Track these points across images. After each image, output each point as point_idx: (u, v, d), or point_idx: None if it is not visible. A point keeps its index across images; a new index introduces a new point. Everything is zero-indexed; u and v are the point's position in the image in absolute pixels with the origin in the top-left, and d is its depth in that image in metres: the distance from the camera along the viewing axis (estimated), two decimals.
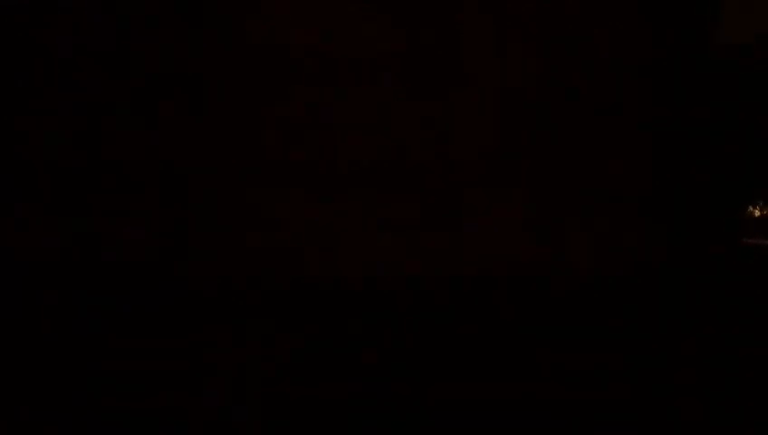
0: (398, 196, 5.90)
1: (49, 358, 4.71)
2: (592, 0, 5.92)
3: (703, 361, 4.81)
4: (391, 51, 5.87)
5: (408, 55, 5.89)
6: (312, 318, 5.60)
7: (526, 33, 5.90)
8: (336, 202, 5.87)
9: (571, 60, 5.91)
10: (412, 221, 5.90)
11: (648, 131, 6.01)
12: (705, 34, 6.05)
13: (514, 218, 5.90)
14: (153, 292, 5.70)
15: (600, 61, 5.93)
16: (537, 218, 5.95)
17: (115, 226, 5.81)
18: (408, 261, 5.88)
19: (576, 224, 5.96)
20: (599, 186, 5.97)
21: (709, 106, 5.95)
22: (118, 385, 4.01)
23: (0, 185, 5.87)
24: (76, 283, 5.75)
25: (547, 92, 5.91)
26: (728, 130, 6.18)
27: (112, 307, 5.67)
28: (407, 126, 5.88)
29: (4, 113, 5.87)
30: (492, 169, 5.93)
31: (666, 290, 5.86)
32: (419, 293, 5.83)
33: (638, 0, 5.99)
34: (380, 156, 5.88)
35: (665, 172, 6.02)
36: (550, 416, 3.54)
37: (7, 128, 5.88)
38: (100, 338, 5.19)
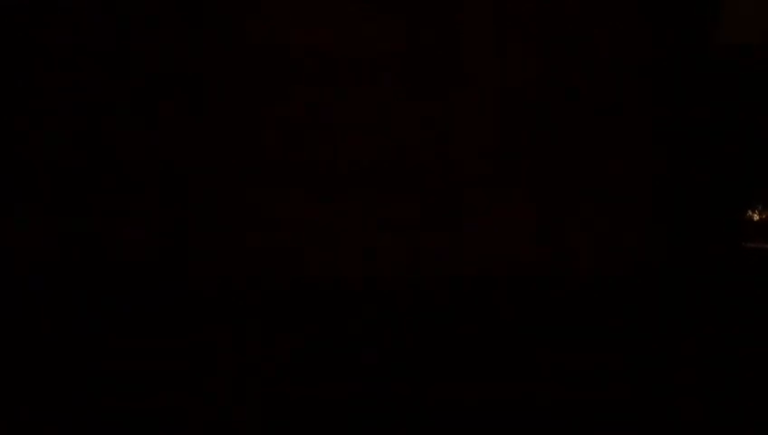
0: (397, 196, 5.90)
1: (49, 358, 4.71)
2: (592, 0, 5.92)
3: (703, 361, 4.81)
4: (391, 51, 5.87)
5: (408, 55, 5.89)
6: (311, 318, 5.60)
7: (526, 33, 5.90)
8: (336, 202, 5.87)
9: (571, 60, 5.91)
10: (412, 221, 5.90)
11: (648, 131, 6.01)
12: (705, 34, 6.05)
13: (514, 218, 5.90)
14: (153, 292, 5.70)
15: (600, 61, 5.93)
16: (537, 218, 5.95)
17: (115, 226, 5.81)
18: (408, 261, 5.88)
19: (576, 224, 5.96)
20: (599, 186, 5.97)
21: (709, 106, 5.94)
22: (118, 385, 4.01)
23: (0, 185, 5.87)
24: (76, 283, 5.75)
25: (547, 92, 5.91)
26: (728, 130, 6.17)
27: (112, 307, 5.67)
28: (407, 126, 5.88)
29: (4, 113, 5.87)
30: (492, 169, 5.93)
31: (666, 290, 5.86)
32: (419, 292, 5.83)
33: (638, 0, 5.99)
34: (380, 156, 5.88)
35: (665, 172, 6.02)
36: (550, 416, 3.54)
37: (7, 128, 5.88)
38: (100, 338, 5.19)
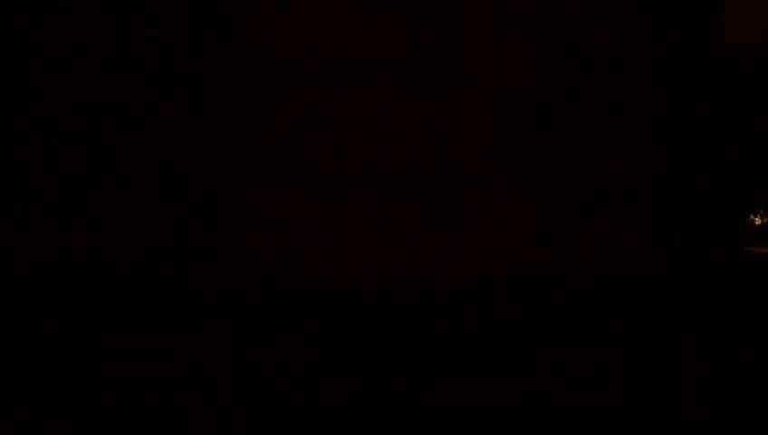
0: (398, 196, 5.90)
1: (49, 358, 4.71)
2: (592, 0, 5.92)
3: (702, 362, 4.81)
4: (391, 51, 5.87)
5: (408, 55, 5.89)
6: (311, 318, 5.60)
7: (526, 33, 5.90)
8: (336, 202, 5.87)
9: (571, 60, 5.91)
10: (412, 222, 5.90)
11: (648, 131, 6.01)
12: (705, 34, 6.05)
13: (514, 218, 5.90)
14: (153, 292, 5.70)
15: (600, 61, 5.93)
16: (537, 218, 5.95)
17: (115, 226, 5.81)
18: (408, 262, 5.88)
19: (576, 224, 5.95)
20: (599, 186, 5.97)
21: (709, 106, 5.94)
22: (118, 385, 4.01)
23: (0, 185, 5.87)
24: (76, 283, 5.75)
25: (547, 92, 5.91)
26: (728, 130, 6.17)
27: (112, 307, 5.67)
28: (407, 126, 5.88)
29: (4, 113, 5.87)
30: (492, 169, 5.93)
31: (666, 292, 5.86)
32: (419, 293, 5.83)
33: (638, 0, 5.99)
34: (380, 156, 5.88)
35: (665, 172, 6.02)
36: (550, 416, 3.54)
37: (7, 128, 5.88)
38: (100, 338, 5.19)
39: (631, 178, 5.97)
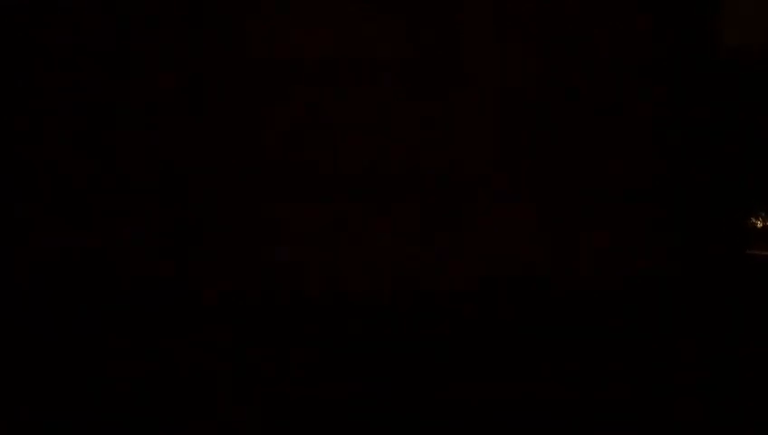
0: (398, 196, 5.90)
1: (49, 358, 4.71)
2: (592, 0, 5.92)
3: (703, 362, 4.81)
4: (391, 51, 5.87)
5: (408, 55, 5.88)
6: (311, 318, 5.59)
7: (526, 33, 5.90)
8: (336, 202, 5.87)
9: (571, 60, 5.91)
10: (412, 222, 5.90)
11: (648, 131, 6.01)
12: (705, 34, 6.05)
13: (515, 218, 5.90)
14: (153, 292, 5.70)
15: (600, 61, 5.93)
16: (537, 219, 5.95)
17: (115, 226, 5.81)
18: (408, 261, 5.88)
19: (576, 224, 5.96)
20: (599, 186, 5.97)
21: (709, 106, 5.95)
22: (117, 385, 4.01)
23: (0, 185, 5.87)
24: (76, 283, 5.75)
25: (547, 92, 5.91)
26: (728, 130, 6.18)
27: (112, 307, 5.67)
28: (407, 126, 5.88)
29: (4, 113, 5.87)
30: (492, 170, 5.93)
31: (666, 292, 5.86)
32: (419, 293, 5.83)
33: (638, 0, 5.99)
34: (380, 156, 5.88)
35: (665, 172, 6.02)
36: (550, 416, 3.54)
37: (7, 128, 5.88)
38: (100, 338, 5.19)
39: (631, 178, 5.97)
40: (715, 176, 6.08)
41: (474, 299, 5.75)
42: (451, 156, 5.86)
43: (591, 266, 5.90)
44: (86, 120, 5.82)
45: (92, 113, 5.83)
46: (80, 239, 5.78)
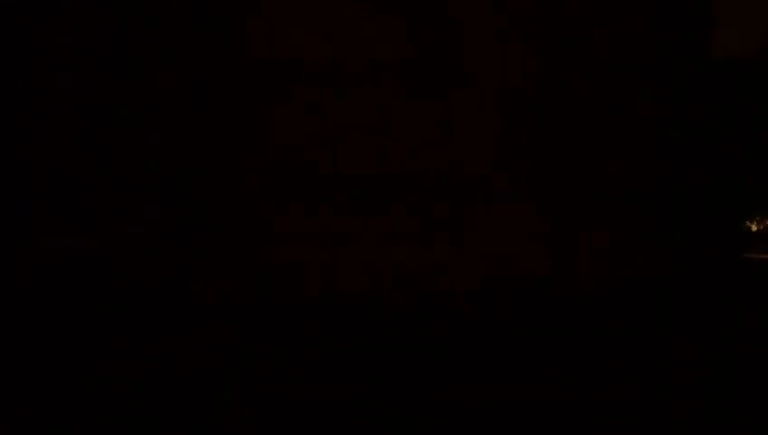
0: (398, 196, 5.90)
1: (49, 358, 4.72)
2: (592, 0, 5.92)
3: (703, 362, 4.81)
4: (391, 51, 5.87)
5: (408, 55, 5.89)
6: (311, 318, 5.60)
7: (526, 33, 5.90)
8: (336, 202, 5.87)
9: (571, 60, 5.91)
10: (412, 222, 5.90)
11: (648, 131, 6.01)
12: (705, 35, 6.05)
13: (515, 219, 5.90)
14: (153, 292, 5.70)
15: (600, 61, 5.93)
16: (537, 219, 5.95)
17: (115, 226, 5.81)
18: (408, 262, 5.88)
19: (576, 224, 5.96)
20: (599, 186, 5.97)
21: (709, 106, 5.95)
22: (117, 385, 4.01)
23: (0, 185, 5.87)
24: (76, 283, 5.75)
25: (547, 92, 5.91)
26: (728, 130, 6.19)
27: (112, 307, 5.67)
28: (407, 126, 5.89)
29: (4, 113, 5.87)
30: (492, 170, 5.93)
31: (666, 292, 5.86)
32: (419, 293, 5.83)
33: (638, 0, 5.99)
34: (380, 156, 5.88)
35: (665, 172, 6.02)
36: (550, 416, 3.54)
37: (7, 128, 5.88)
38: (100, 338, 5.19)
39: (631, 178, 5.97)
40: (714, 176, 6.08)
41: (474, 299, 5.75)
42: (451, 156, 5.86)
43: (591, 266, 5.91)
44: (86, 120, 5.82)
45: (92, 113, 5.83)
46: (80, 239, 5.78)
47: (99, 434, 3.38)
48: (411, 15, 5.86)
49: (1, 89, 5.84)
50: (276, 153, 5.83)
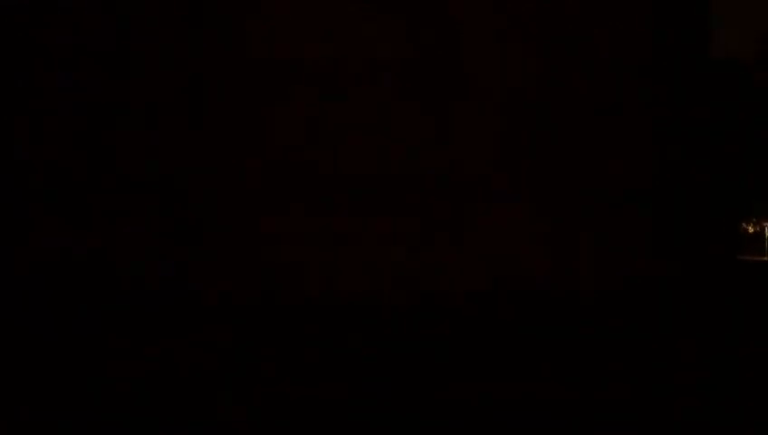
0: (398, 196, 5.90)
1: (49, 358, 4.71)
2: (592, 0, 5.93)
3: (702, 362, 4.82)
4: (391, 51, 5.87)
5: (408, 56, 5.89)
6: (311, 318, 5.59)
7: (526, 33, 5.91)
8: (336, 202, 5.87)
9: (571, 60, 5.91)
10: (412, 222, 5.90)
11: (648, 131, 6.02)
12: (705, 35, 6.05)
13: (515, 218, 5.90)
14: (153, 292, 5.69)
15: (600, 61, 5.93)
16: (537, 219, 5.95)
17: (115, 226, 5.81)
18: (408, 262, 5.88)
19: (576, 224, 5.96)
20: (599, 186, 5.97)
21: (709, 106, 5.95)
22: (117, 385, 4.01)
23: (0, 185, 5.87)
24: (76, 282, 5.75)
25: (547, 92, 5.91)
26: (728, 130, 6.19)
27: (112, 307, 5.66)
28: (407, 126, 5.89)
29: (4, 113, 5.87)
30: (492, 170, 5.93)
31: (666, 292, 5.86)
32: (419, 293, 5.83)
33: (638, 0, 6.00)
34: (380, 156, 5.88)
35: (665, 172, 6.03)
36: (550, 416, 3.55)
37: (7, 128, 5.88)
38: (100, 338, 5.19)
39: (631, 178, 5.97)
40: (714, 176, 6.08)
41: (474, 299, 5.74)
42: (451, 156, 5.86)
43: (591, 266, 5.91)
44: (86, 120, 5.83)
45: (92, 113, 5.83)
46: (80, 239, 5.78)
47: (99, 434, 3.38)
48: (411, 15, 5.86)
49: (1, 89, 5.84)
50: (276, 153, 5.84)
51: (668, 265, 5.97)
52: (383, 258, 5.82)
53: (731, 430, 3.54)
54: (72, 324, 5.45)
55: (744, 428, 3.57)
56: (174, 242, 5.79)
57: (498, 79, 5.89)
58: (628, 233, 5.97)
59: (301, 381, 4.30)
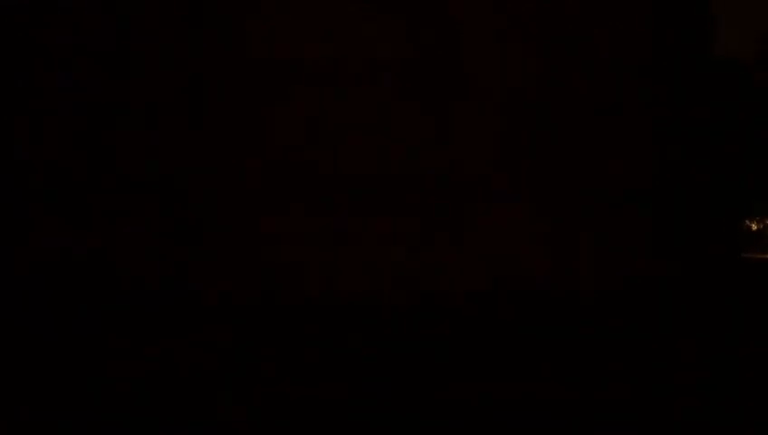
0: (397, 196, 5.90)
1: (49, 358, 4.72)
2: (592, 0, 5.93)
3: (702, 362, 4.82)
4: (391, 51, 5.87)
5: (408, 56, 5.89)
6: (311, 318, 5.59)
7: (526, 33, 5.91)
8: (336, 202, 5.87)
9: (571, 60, 5.92)
10: (412, 222, 5.91)
11: (648, 131, 6.02)
12: (705, 35, 6.06)
13: (515, 218, 5.91)
14: (153, 292, 5.70)
15: (600, 61, 5.93)
16: (537, 219, 5.95)
17: (115, 226, 5.81)
18: (408, 262, 5.88)
19: (576, 224, 5.96)
20: (599, 186, 5.98)
21: (709, 106, 5.96)
22: (117, 385, 4.01)
23: (0, 185, 5.87)
24: (76, 283, 5.75)
25: (547, 92, 5.92)
26: (728, 130, 6.19)
27: (112, 307, 5.67)
28: (407, 126, 5.89)
29: (4, 113, 5.87)
30: (492, 170, 5.93)
31: (667, 292, 5.86)
32: (419, 293, 5.83)
33: (638, 0, 6.00)
34: (380, 156, 5.89)
35: (665, 172, 6.03)
36: (550, 416, 3.55)
37: (7, 128, 5.88)
38: (100, 338, 5.19)
39: (631, 178, 5.97)
40: (714, 176, 6.08)
41: (474, 299, 5.75)
42: (451, 156, 5.86)
43: (591, 266, 5.91)
44: (86, 120, 5.83)
45: (92, 113, 5.83)
46: (80, 239, 5.78)
47: (99, 434, 3.38)
48: (411, 15, 5.86)
49: (1, 89, 5.85)
50: (276, 153, 5.84)
51: (669, 265, 5.97)
52: (383, 258, 5.82)
53: (731, 430, 3.54)
54: (72, 324, 5.45)
55: (744, 428, 3.57)
56: (174, 242, 5.79)
57: (498, 79, 5.89)
58: (628, 233, 5.97)
59: (301, 381, 4.30)
